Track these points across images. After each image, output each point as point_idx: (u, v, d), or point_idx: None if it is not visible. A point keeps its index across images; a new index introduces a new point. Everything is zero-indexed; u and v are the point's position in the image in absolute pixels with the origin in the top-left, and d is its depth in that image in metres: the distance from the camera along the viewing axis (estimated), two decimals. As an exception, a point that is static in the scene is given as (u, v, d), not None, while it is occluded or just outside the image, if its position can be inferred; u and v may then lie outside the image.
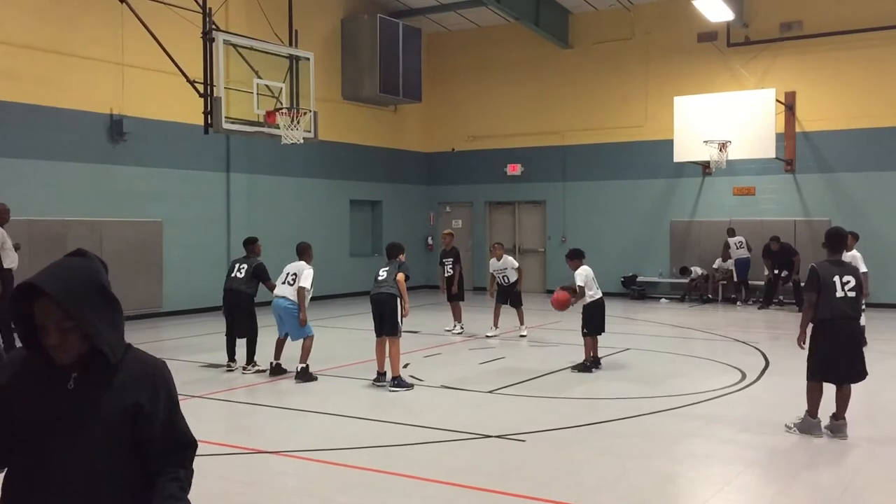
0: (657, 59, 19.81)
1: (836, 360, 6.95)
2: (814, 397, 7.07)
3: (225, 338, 10.30)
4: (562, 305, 10.33)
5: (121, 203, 15.06)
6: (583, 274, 10.21)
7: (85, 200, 14.59)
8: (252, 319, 10.10)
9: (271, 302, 10.00)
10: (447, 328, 13.63)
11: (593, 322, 10.22)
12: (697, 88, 18.42)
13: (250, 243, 10.41)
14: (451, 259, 13.83)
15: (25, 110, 13.75)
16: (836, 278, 6.91)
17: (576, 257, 10.38)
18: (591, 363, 10.18)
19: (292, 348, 9.88)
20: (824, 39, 17.96)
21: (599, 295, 10.33)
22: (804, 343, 7.17)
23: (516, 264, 13.39)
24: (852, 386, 7.06)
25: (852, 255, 10.98)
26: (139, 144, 15.32)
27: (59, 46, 14.15)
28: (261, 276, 10.08)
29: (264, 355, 10.36)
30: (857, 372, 7.03)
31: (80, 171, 14.53)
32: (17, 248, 11.10)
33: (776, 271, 17.24)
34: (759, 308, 17.34)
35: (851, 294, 6.93)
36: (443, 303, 14.22)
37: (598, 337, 10.35)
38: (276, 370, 9.82)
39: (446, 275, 13.78)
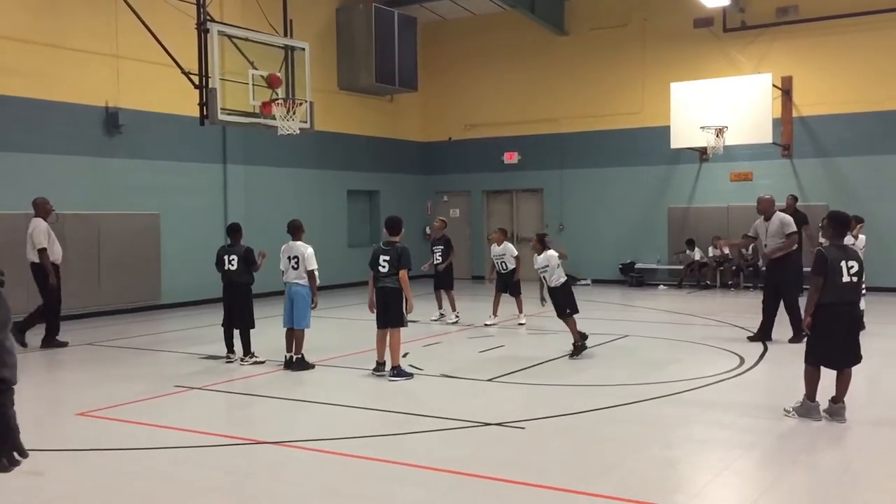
0: (654, 46, 19.77)
1: (837, 345, 6.97)
2: (812, 381, 7.09)
3: (223, 329, 10.29)
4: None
5: (118, 196, 15.04)
6: (549, 256, 10.36)
7: (81, 194, 14.57)
8: (247, 309, 10.09)
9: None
10: (449, 320, 13.56)
11: (569, 302, 10.34)
12: (694, 74, 18.38)
13: (234, 230, 10.31)
14: (441, 247, 13.86)
15: (20, 104, 13.71)
16: (843, 263, 6.92)
17: (541, 242, 10.59)
18: (581, 342, 10.23)
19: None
20: (821, 24, 17.92)
21: (565, 278, 10.44)
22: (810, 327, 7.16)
23: (515, 252, 13.39)
24: (852, 369, 7.09)
25: (860, 239, 11.11)
26: (135, 137, 15.29)
27: (53, 39, 14.10)
28: (249, 260, 10.06)
29: (269, 347, 10.39)
30: (855, 356, 7.06)
31: (76, 165, 14.51)
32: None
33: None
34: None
35: (855, 279, 6.95)
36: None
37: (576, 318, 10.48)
38: (290, 363, 9.69)
39: (435, 262, 13.83)
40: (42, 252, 11.32)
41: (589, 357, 10.29)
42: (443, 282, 13.84)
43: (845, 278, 6.91)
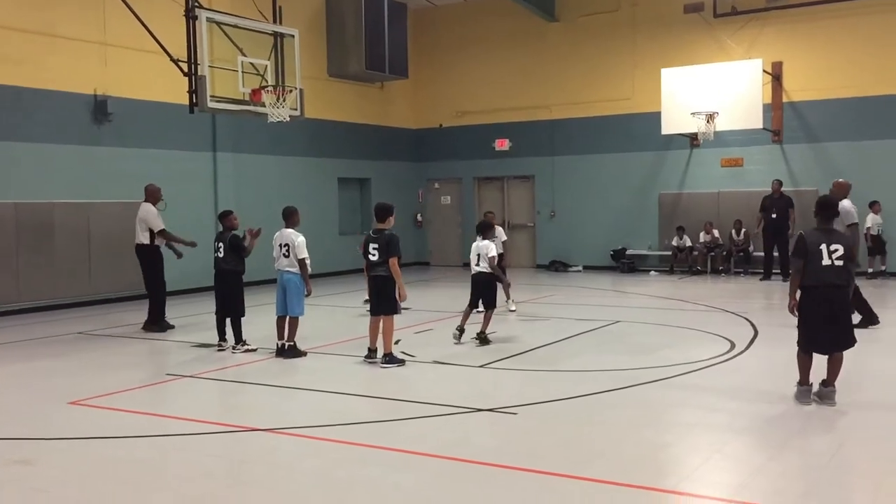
0: (644, 31, 19.75)
1: (820, 328, 6.99)
2: (802, 365, 7.14)
3: (215, 317, 10.26)
4: None
5: (107, 184, 14.96)
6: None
7: (71, 182, 14.50)
8: (237, 298, 10.04)
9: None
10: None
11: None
12: (684, 60, 18.38)
13: (224, 217, 10.24)
14: None
15: (7, 92, 13.61)
16: (823, 246, 6.94)
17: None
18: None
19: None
20: (811, 9, 17.93)
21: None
22: (796, 310, 7.19)
23: (504, 237, 13.33)
24: (843, 353, 7.10)
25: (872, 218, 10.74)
26: (124, 125, 15.21)
27: (40, 27, 13.99)
28: (236, 247, 9.99)
29: (261, 335, 10.38)
30: (843, 340, 7.04)
31: (65, 153, 14.42)
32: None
33: (773, 215, 17.09)
34: (760, 279, 17.34)
35: (839, 262, 6.93)
36: (434, 279, 14.12)
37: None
38: (282, 350, 9.68)
39: None
40: (163, 232, 11.84)
41: (580, 343, 10.33)
42: None
43: (825, 261, 6.91)
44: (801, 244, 7.02)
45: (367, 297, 13.24)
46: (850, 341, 7.08)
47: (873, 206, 16.44)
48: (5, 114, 13.61)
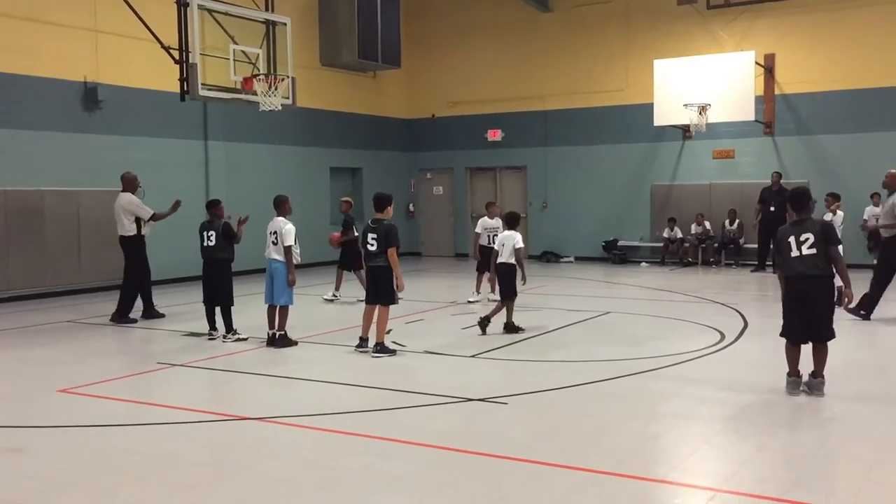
0: (637, 23, 19.73)
1: (793, 318, 7.06)
2: (789, 356, 7.18)
3: (204, 306, 10.23)
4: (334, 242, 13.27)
5: (97, 172, 14.87)
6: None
7: (60, 170, 14.42)
8: (226, 286, 10.01)
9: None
10: (326, 296, 13.53)
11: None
12: (677, 51, 18.39)
13: (213, 206, 10.20)
14: (342, 228, 13.62)
15: (-3, 79, 13.54)
16: (792, 238, 6.99)
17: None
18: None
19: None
20: (803, 1, 17.95)
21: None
22: None
23: (500, 225, 13.32)
24: (830, 344, 7.12)
25: (870, 210, 10.64)
26: (115, 112, 15.13)
27: (31, 13, 13.89)
28: (229, 235, 9.98)
29: (253, 324, 10.36)
30: (818, 331, 7.04)
31: (54, 140, 14.34)
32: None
33: (772, 208, 17.13)
34: (752, 271, 17.41)
35: (809, 251, 6.92)
36: (427, 269, 14.13)
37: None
38: (273, 340, 9.66)
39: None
40: (154, 216, 11.91)
41: (571, 333, 10.36)
42: (346, 261, 13.58)
43: (794, 252, 6.96)
44: (775, 239, 7.19)
45: (334, 293, 13.44)
46: (826, 333, 7.07)
47: (874, 197, 16.46)
48: (-5, 100, 13.53)
